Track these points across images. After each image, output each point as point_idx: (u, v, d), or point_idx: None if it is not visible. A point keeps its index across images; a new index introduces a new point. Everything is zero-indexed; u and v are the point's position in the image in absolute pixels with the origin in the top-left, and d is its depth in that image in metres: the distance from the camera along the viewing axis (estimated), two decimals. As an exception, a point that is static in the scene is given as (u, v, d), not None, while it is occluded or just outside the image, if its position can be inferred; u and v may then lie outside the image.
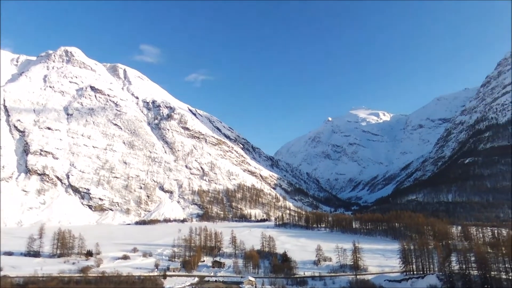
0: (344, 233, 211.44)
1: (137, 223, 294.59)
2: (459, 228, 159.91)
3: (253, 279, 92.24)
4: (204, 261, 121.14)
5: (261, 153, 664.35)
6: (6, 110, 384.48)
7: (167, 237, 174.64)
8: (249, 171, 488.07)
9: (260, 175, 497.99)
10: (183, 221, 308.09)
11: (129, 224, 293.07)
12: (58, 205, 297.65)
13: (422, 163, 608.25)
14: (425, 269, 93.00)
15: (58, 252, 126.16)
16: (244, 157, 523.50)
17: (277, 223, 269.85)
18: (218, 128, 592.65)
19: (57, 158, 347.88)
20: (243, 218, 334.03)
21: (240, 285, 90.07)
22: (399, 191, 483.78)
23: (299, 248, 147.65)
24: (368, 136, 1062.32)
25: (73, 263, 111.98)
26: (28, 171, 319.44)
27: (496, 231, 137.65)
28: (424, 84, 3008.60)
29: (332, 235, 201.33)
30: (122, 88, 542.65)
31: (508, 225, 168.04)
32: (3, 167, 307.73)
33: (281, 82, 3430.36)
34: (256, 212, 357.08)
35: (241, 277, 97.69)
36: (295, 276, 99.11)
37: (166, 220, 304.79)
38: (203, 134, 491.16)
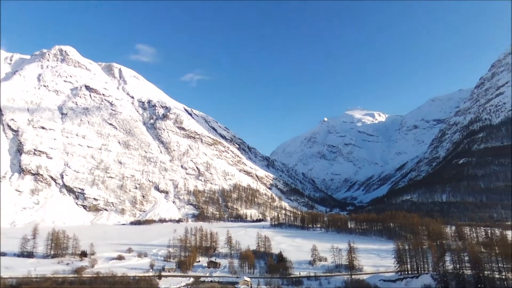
0: (339, 233, 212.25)
1: (132, 223, 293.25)
2: (453, 228, 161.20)
3: (248, 279, 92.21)
4: (199, 261, 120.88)
5: (257, 153, 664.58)
6: (0, 109, 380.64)
7: (162, 237, 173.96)
8: (245, 171, 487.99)
9: (256, 175, 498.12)
10: (179, 221, 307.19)
11: (124, 224, 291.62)
12: (52, 205, 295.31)
13: (416, 164, 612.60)
14: (419, 269, 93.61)
15: (52, 252, 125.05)
16: (240, 157, 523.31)
17: (273, 223, 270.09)
18: (214, 128, 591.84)
19: (51, 158, 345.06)
20: (239, 218, 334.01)
21: (236, 285, 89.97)
22: (394, 191, 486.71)
23: (295, 248, 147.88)
24: (364, 136, 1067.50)
25: (67, 264, 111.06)
26: (21, 171, 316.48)
27: (489, 231, 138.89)
28: (419, 85, 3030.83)
29: (328, 235, 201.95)
30: (118, 88, 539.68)
31: (502, 225, 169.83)
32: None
33: (277, 82, 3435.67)
34: (252, 212, 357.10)
35: (237, 277, 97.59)
36: (291, 276, 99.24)
37: (162, 220, 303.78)
38: (199, 134, 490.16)
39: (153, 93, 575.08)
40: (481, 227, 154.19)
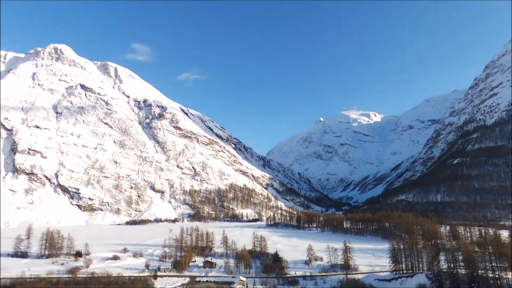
0: (335, 233, 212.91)
1: (127, 223, 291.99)
2: (448, 227, 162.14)
3: (244, 279, 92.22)
4: (195, 261, 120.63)
5: (253, 153, 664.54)
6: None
7: (158, 237, 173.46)
8: (241, 171, 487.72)
9: (252, 175, 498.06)
10: (174, 221, 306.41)
11: (119, 224, 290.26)
12: (46, 205, 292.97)
13: (412, 164, 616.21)
14: (414, 268, 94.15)
15: (47, 252, 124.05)
16: (236, 157, 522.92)
17: (269, 223, 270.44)
18: (210, 128, 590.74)
19: (45, 157, 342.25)
20: (235, 218, 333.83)
21: (232, 285, 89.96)
22: (389, 191, 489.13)
23: (291, 248, 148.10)
24: (359, 136, 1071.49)
25: (62, 264, 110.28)
26: (15, 170, 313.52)
27: (483, 231, 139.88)
28: (414, 85, 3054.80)
29: (323, 235, 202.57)
30: (113, 87, 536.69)
31: (495, 224, 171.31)
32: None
33: (274, 82, 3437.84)
34: (248, 212, 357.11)
35: (233, 277, 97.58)
36: (287, 275, 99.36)
37: (157, 220, 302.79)
38: (195, 134, 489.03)
39: (149, 93, 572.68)
40: (475, 227, 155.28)
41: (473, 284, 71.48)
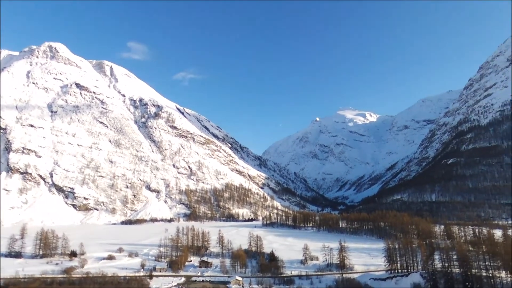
0: (330, 233, 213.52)
1: (123, 222, 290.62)
2: (442, 227, 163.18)
3: (240, 278, 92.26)
4: (191, 261, 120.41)
5: (249, 153, 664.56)
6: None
7: (153, 237, 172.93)
8: (237, 170, 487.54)
9: (248, 175, 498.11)
10: (170, 220, 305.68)
11: (114, 224, 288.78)
12: (41, 204, 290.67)
13: (407, 164, 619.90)
14: (409, 268, 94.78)
15: (41, 252, 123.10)
16: (232, 157, 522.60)
17: (265, 222, 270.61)
18: (206, 127, 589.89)
19: (40, 157, 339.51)
20: (231, 217, 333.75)
21: (228, 285, 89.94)
22: (384, 191, 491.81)
23: (287, 247, 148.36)
24: (355, 136, 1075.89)
25: (56, 264, 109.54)
26: (9, 169, 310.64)
27: (477, 230, 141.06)
28: (409, 86, 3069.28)
29: (319, 235, 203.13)
30: (109, 86, 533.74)
31: (489, 224, 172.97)
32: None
33: (270, 82, 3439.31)
34: (244, 212, 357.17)
35: (229, 276, 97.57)
36: (282, 275, 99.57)
37: (153, 220, 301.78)
38: (191, 133, 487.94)
39: (145, 92, 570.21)
40: (469, 226, 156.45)
41: (467, 283, 72.14)
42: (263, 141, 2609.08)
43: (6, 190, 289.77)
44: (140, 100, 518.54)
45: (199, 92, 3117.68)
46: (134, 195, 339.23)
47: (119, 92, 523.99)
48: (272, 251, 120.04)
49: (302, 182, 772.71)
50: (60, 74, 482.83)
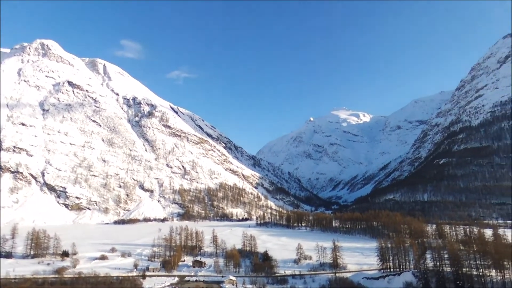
0: (324, 232, 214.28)
1: (115, 222, 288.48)
2: (434, 226, 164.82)
3: (234, 278, 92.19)
4: (184, 260, 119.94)
5: (244, 152, 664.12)
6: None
7: (146, 236, 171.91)
8: (231, 170, 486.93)
9: (242, 174, 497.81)
10: (164, 220, 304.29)
11: (107, 223, 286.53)
12: (32, 204, 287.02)
13: (399, 164, 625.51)
14: (401, 267, 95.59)
15: (32, 252, 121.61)
16: (226, 156, 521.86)
17: (259, 222, 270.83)
18: (200, 127, 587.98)
19: (31, 155, 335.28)
20: (225, 217, 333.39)
21: (221, 285, 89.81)
22: (377, 190, 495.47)
23: (280, 247, 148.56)
24: (349, 136, 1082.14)
25: (48, 264, 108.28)
26: (0, 168, 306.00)
27: (468, 229, 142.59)
28: (402, 86, 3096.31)
29: (313, 234, 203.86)
30: (102, 84, 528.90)
31: (480, 223, 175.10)
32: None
33: (264, 81, 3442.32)
34: (238, 211, 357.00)
35: (222, 276, 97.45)
36: (276, 274, 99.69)
37: (146, 220, 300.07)
38: (185, 133, 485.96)
39: (139, 90, 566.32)
40: (460, 226, 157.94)
41: (458, 282, 73.08)
42: (257, 141, 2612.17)
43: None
44: (134, 99, 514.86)
45: (194, 91, 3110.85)
46: (127, 195, 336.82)
47: (112, 90, 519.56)
48: (266, 251, 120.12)
49: (296, 181, 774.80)
50: (52, 72, 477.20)
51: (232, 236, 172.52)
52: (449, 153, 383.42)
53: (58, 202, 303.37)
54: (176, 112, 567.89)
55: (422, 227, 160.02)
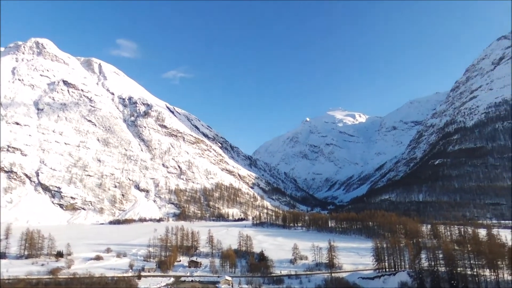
0: (320, 232, 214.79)
1: (111, 222, 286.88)
2: (429, 226, 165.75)
3: (230, 278, 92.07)
4: (180, 261, 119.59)
5: (240, 152, 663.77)
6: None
7: (142, 237, 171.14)
8: (227, 170, 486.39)
9: (238, 174, 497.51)
10: (159, 220, 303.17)
11: (102, 223, 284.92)
12: (26, 204, 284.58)
13: (395, 164, 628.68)
14: (396, 266, 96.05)
15: (26, 253, 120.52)
16: (223, 156, 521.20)
17: (255, 222, 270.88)
18: (196, 127, 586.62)
19: (26, 155, 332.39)
20: (221, 217, 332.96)
21: (217, 285, 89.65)
22: (373, 191, 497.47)
23: (276, 247, 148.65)
24: (345, 137, 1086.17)
25: (42, 265, 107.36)
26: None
27: (462, 230, 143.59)
28: (398, 87, 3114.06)
29: (309, 234, 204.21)
30: (97, 83, 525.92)
31: (474, 223, 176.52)
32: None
33: (261, 82, 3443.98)
34: (234, 212, 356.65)
35: (218, 276, 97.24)
36: (272, 275, 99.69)
37: (142, 220, 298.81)
38: (181, 133, 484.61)
39: (134, 90, 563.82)
40: (455, 226, 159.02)
41: (453, 281, 73.59)
42: (253, 141, 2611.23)
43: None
44: (129, 98, 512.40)
45: (190, 91, 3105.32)
46: (122, 195, 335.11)
47: (107, 90, 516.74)
48: (262, 251, 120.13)
49: (292, 182, 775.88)
50: (47, 71, 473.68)
51: (228, 236, 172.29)
52: (444, 154, 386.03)
53: (52, 202, 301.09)
54: (172, 112, 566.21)
55: (417, 227, 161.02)
